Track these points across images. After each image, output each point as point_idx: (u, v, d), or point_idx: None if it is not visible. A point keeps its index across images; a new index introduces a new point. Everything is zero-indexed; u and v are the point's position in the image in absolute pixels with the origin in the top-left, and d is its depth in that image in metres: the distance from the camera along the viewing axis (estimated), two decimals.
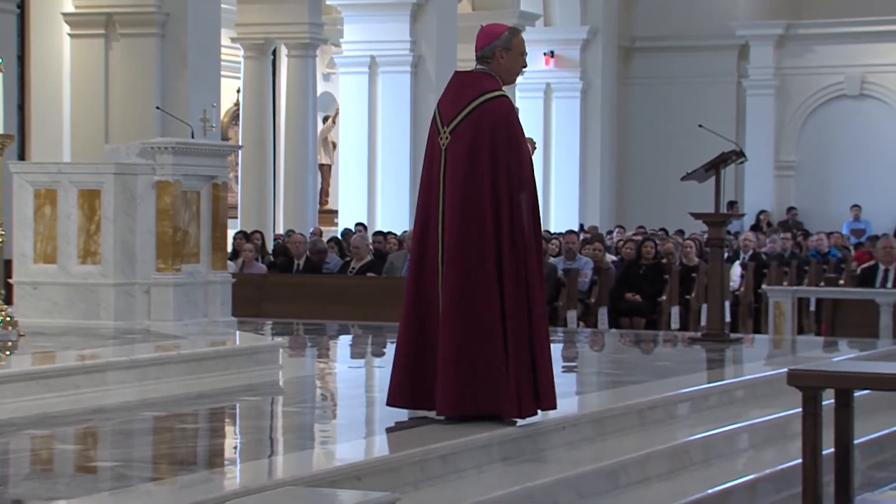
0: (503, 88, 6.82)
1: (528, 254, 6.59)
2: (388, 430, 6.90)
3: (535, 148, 7.02)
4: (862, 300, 12.70)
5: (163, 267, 9.76)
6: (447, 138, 6.69)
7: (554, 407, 6.72)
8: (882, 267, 13.60)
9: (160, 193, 9.76)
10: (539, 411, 6.70)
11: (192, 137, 11.14)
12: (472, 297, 6.55)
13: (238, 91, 22.27)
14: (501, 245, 6.55)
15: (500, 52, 6.77)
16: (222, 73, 18.26)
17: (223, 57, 18.61)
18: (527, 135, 6.84)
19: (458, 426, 6.63)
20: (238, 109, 22.48)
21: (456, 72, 7.05)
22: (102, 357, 7.84)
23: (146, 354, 8.07)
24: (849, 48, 26.30)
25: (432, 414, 6.75)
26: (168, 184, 9.76)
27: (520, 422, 6.67)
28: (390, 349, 11.83)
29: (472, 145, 6.62)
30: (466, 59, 23.61)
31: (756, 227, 24.75)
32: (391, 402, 6.84)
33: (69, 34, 17.14)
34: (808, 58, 26.79)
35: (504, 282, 6.54)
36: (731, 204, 24.15)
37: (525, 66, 6.96)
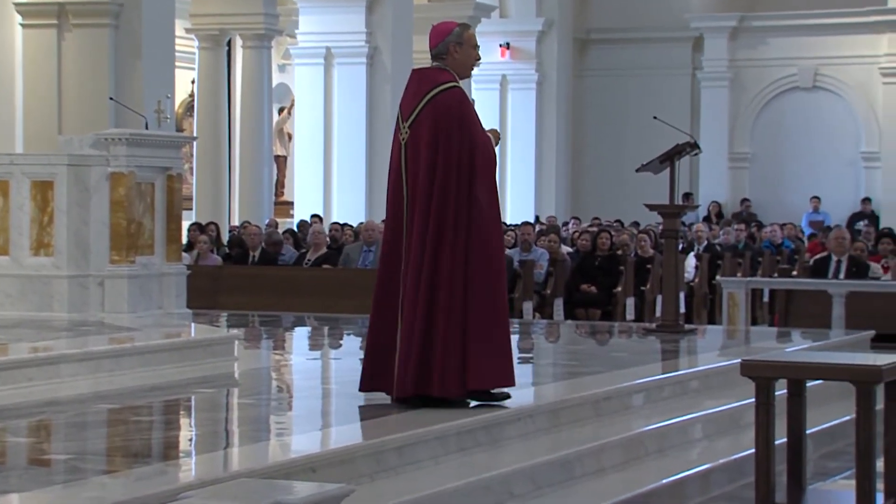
0: (459, 82, 7.03)
1: (485, 237, 6.81)
2: (344, 422, 6.90)
3: (500, 139, 7.10)
4: (815, 291, 12.80)
5: (117, 259, 9.71)
6: (406, 133, 6.98)
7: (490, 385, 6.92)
8: (834, 258, 13.71)
9: (114, 185, 9.71)
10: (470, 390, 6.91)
11: (147, 128, 11.09)
12: (434, 284, 6.78)
13: (193, 82, 22.15)
14: (457, 231, 6.77)
15: (454, 48, 7.03)
16: (177, 63, 18.16)
17: (177, 48, 18.51)
18: (488, 126, 7.06)
19: (416, 415, 6.66)
20: (193, 100, 22.37)
21: (413, 69, 7.28)
22: (56, 349, 7.80)
23: (100, 347, 8.02)
24: (802, 40, 26.46)
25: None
26: (122, 175, 9.70)
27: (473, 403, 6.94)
28: (347, 341, 11.86)
29: (427, 136, 6.88)
30: (423, 50, 23.52)
31: (707, 219, 24.89)
32: (364, 388, 7.14)
33: (21, 24, 16.99)
34: (761, 50, 26.94)
35: (469, 268, 6.79)
36: (687, 195, 24.27)
37: (479, 59, 7.22)
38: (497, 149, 7.03)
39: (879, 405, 5.72)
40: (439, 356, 6.80)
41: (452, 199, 6.81)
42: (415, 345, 6.82)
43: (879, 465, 5.70)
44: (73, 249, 9.66)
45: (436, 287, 6.81)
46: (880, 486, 5.71)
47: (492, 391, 6.98)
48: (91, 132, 10.25)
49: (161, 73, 16.80)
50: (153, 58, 16.73)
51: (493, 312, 6.84)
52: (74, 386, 7.36)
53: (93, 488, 5.01)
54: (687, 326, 12.00)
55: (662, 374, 8.87)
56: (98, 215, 9.70)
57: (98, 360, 7.66)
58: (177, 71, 18.17)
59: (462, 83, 7.09)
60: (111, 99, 15.27)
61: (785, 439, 5.87)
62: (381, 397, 7.78)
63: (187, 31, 21.11)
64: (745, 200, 26.71)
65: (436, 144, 6.86)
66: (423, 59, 28.75)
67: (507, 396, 7.01)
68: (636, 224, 20.59)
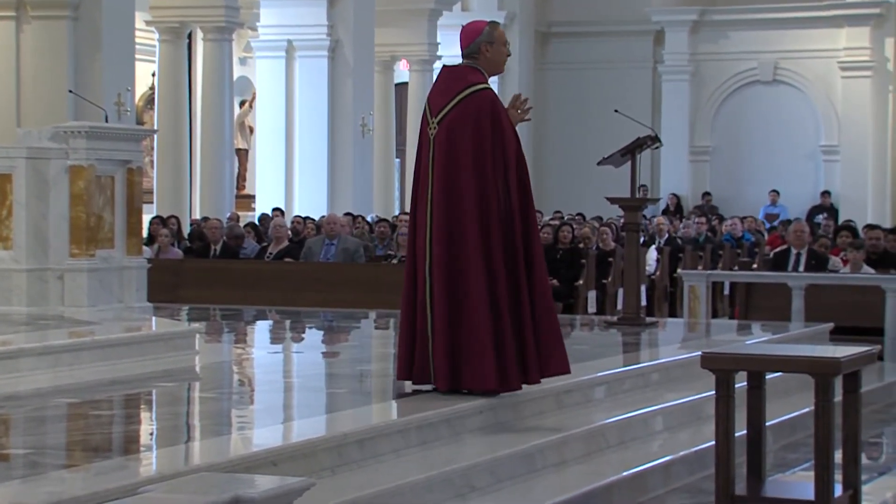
0: (489, 79, 7.23)
1: (517, 234, 7.01)
2: (306, 416, 6.89)
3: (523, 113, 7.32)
4: (774, 284, 12.87)
5: (77, 252, 9.65)
6: (435, 128, 7.15)
7: (537, 380, 7.08)
8: (794, 251, 13.79)
9: (73, 178, 9.65)
10: (525, 385, 7.07)
11: (107, 121, 11.03)
12: (457, 276, 6.97)
13: (153, 75, 22.05)
14: (490, 227, 6.97)
15: (485, 47, 7.22)
16: (137, 56, 18.06)
17: (138, 40, 18.41)
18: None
19: (377, 408, 6.63)
20: (153, 93, 22.26)
21: (444, 66, 7.49)
22: (15, 343, 7.74)
23: (60, 341, 7.98)
24: (762, 34, 26.61)
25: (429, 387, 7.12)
26: (82, 168, 9.64)
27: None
28: (309, 334, 11.84)
29: (459, 134, 7.07)
30: (384, 43, 23.68)
31: (666, 211, 24.99)
32: (401, 376, 7.22)
33: None
34: (722, 44, 27.07)
35: (493, 261, 6.96)
36: (641, 188, 24.35)
37: (509, 55, 7.39)
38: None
39: (838, 397, 5.77)
40: (474, 349, 6.92)
41: (493, 194, 6.97)
42: (447, 337, 6.95)
43: (838, 456, 5.74)
44: (33, 243, 9.59)
45: (464, 281, 6.96)
46: (838, 477, 5.76)
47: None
48: (50, 125, 10.18)
49: (121, 66, 16.71)
50: (113, 50, 16.64)
51: (523, 308, 6.98)
52: (34, 380, 7.31)
53: (52, 483, 4.98)
54: (648, 319, 12.04)
55: (624, 366, 8.90)
56: (57, 208, 9.63)
57: (58, 354, 7.61)
58: (137, 64, 18.07)
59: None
60: (70, 92, 15.18)
61: (745, 431, 5.90)
62: (346, 390, 7.79)
63: (147, 23, 20.99)
64: (706, 194, 26.84)
65: (467, 142, 7.04)
66: (384, 52, 28.80)
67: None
68: (599, 219, 20.64)
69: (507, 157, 7.09)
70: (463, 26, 7.36)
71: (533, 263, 7.05)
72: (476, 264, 6.96)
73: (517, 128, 7.31)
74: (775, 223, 23.21)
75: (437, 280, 7.01)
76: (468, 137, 7.06)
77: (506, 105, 7.27)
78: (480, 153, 7.04)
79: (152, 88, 22.65)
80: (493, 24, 7.32)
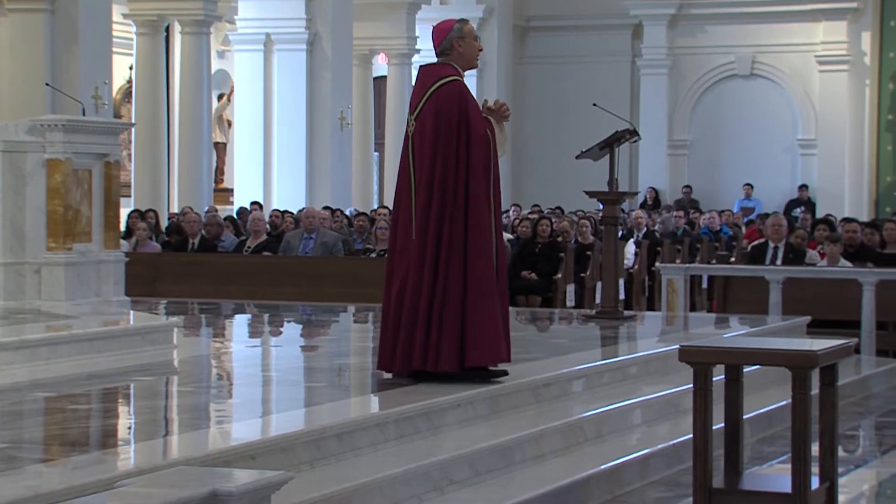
0: (464, 73, 7.48)
1: (481, 226, 7.25)
2: (284, 410, 6.88)
3: (506, 114, 7.51)
4: (752, 277, 12.91)
5: (54, 246, 9.61)
6: (413, 125, 7.41)
7: (487, 362, 7.27)
8: (771, 244, 13.82)
9: (50, 172, 9.60)
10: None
11: (84, 115, 10.99)
12: (434, 265, 7.18)
13: (131, 68, 21.98)
14: (454, 220, 7.21)
15: (457, 43, 7.47)
16: (114, 49, 18.01)
17: (115, 33, 18.35)
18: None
19: (355, 402, 6.63)
20: (131, 87, 22.20)
21: (420, 66, 7.78)
22: None
23: (37, 335, 7.95)
24: (739, 28, 26.67)
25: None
26: (59, 162, 9.60)
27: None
28: (287, 328, 11.83)
29: (430, 128, 7.29)
30: (362, 37, 23.64)
31: (644, 205, 25.03)
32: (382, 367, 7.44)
33: None
34: (700, 38, 27.12)
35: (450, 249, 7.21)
36: (612, 182, 24.35)
37: (481, 49, 7.64)
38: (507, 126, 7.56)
39: (815, 390, 5.79)
40: (439, 334, 7.17)
41: (451, 189, 7.22)
42: (418, 325, 7.19)
43: (815, 449, 5.76)
44: (9, 237, 9.55)
45: (437, 275, 7.18)
46: (815, 469, 5.78)
47: (490, 368, 7.33)
48: (27, 118, 10.13)
49: (98, 59, 16.66)
50: (90, 43, 16.58)
51: (487, 296, 7.18)
52: (10, 374, 7.28)
53: (29, 477, 4.97)
54: (626, 313, 12.06)
55: (602, 360, 8.91)
56: (34, 202, 9.59)
57: (34, 348, 7.59)
58: (114, 57, 18.02)
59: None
60: (47, 85, 15.12)
61: (722, 424, 5.92)
62: (324, 384, 7.79)
63: (125, 16, 20.93)
64: (685, 187, 26.89)
65: (436, 136, 7.26)
66: (363, 45, 28.74)
67: (505, 373, 7.38)
68: (581, 211, 20.64)
69: (470, 153, 7.26)
70: (433, 27, 7.61)
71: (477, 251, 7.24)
72: (450, 258, 7.20)
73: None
74: (751, 217, 23.27)
75: (413, 273, 7.25)
76: (433, 127, 7.29)
77: (486, 107, 7.47)
78: (445, 141, 7.25)
79: (130, 82, 22.59)
80: (462, 21, 7.59)
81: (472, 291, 7.19)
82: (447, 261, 7.21)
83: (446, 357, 7.19)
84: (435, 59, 7.49)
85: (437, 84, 7.35)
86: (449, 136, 7.27)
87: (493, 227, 7.33)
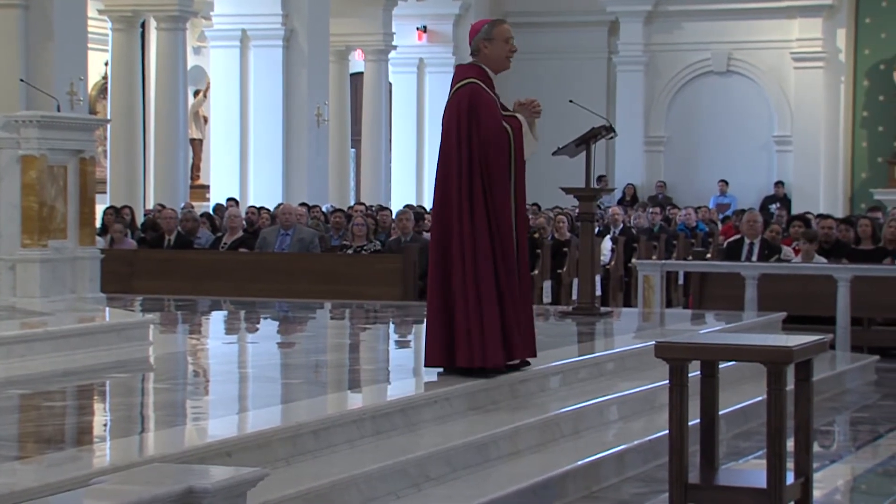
0: (494, 74, 7.56)
1: (486, 225, 7.28)
2: (261, 406, 6.87)
3: (537, 111, 7.65)
4: (728, 273, 12.95)
5: (28, 243, 9.57)
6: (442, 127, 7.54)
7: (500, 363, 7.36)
8: (747, 241, 13.87)
9: (25, 168, 9.56)
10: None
11: (59, 111, 10.94)
12: (442, 262, 7.30)
13: (106, 64, 21.89)
14: (461, 218, 7.25)
15: (483, 44, 7.52)
16: (89, 45, 17.93)
17: (90, 29, 18.28)
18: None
19: (332, 398, 6.62)
20: (106, 83, 22.11)
21: (455, 66, 8.03)
22: None
23: (12, 332, 7.92)
24: (716, 25, 26.73)
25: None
26: (33, 158, 9.56)
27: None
28: (264, 325, 11.81)
29: (443, 130, 7.42)
30: (339, 33, 23.60)
31: (622, 201, 25.07)
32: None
33: None
34: (676, 34, 27.17)
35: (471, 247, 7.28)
36: (600, 178, 24.42)
37: (514, 50, 7.65)
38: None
39: (790, 386, 5.81)
40: (428, 333, 7.33)
41: (454, 190, 7.27)
42: (437, 321, 7.30)
43: (790, 444, 5.78)
44: None
45: (449, 272, 7.27)
46: (791, 465, 5.80)
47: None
48: (1, 114, 10.09)
49: (73, 55, 16.59)
50: (65, 39, 16.50)
51: (485, 301, 7.24)
52: None
53: (4, 474, 4.95)
54: (603, 309, 12.08)
55: (579, 356, 8.93)
56: (9, 198, 9.54)
57: (9, 345, 7.56)
58: (90, 53, 17.95)
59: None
60: (22, 81, 15.05)
61: (698, 420, 5.93)
62: (301, 380, 7.79)
63: (100, 12, 20.84)
64: (659, 183, 26.95)
65: (444, 139, 7.37)
66: (339, 42, 28.62)
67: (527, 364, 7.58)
68: (558, 208, 20.65)
69: (472, 156, 7.27)
70: (472, 25, 7.72)
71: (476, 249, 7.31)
72: (463, 255, 7.28)
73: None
74: (728, 213, 23.34)
75: (431, 271, 7.45)
76: (444, 131, 7.38)
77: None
78: (446, 146, 7.36)
79: (105, 78, 22.50)
80: (495, 21, 7.67)
81: (470, 294, 7.23)
82: (454, 261, 7.26)
83: (429, 354, 7.36)
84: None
85: (456, 87, 7.43)
86: (450, 140, 7.34)
87: (514, 227, 7.36)
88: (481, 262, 7.23)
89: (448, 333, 7.29)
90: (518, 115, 7.52)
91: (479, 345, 7.25)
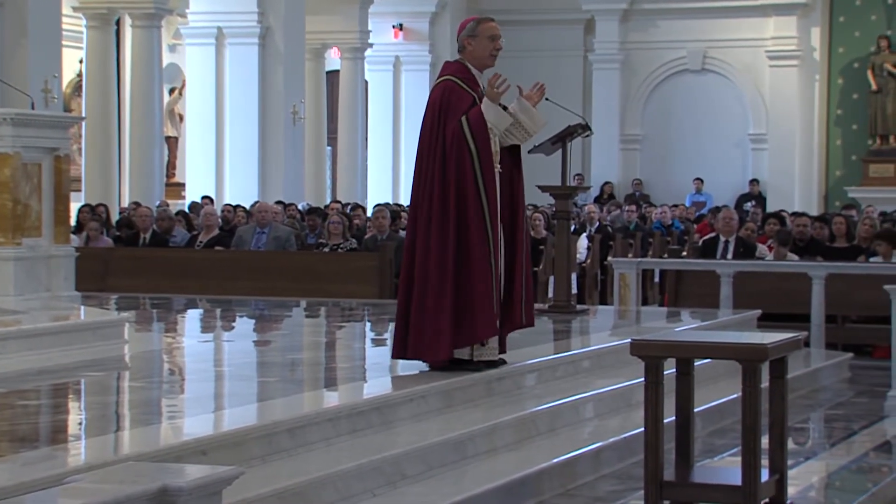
0: (479, 72, 7.59)
1: (454, 218, 7.30)
2: (236, 405, 6.86)
3: (539, 92, 7.84)
4: (703, 271, 12.98)
5: (2, 241, 9.53)
6: None
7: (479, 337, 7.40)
8: (722, 238, 13.91)
9: None
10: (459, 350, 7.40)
11: (33, 108, 10.89)
12: (409, 260, 7.37)
13: (81, 61, 21.81)
14: (431, 213, 7.33)
15: (468, 41, 7.57)
16: (64, 43, 17.87)
17: (65, 26, 18.20)
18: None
19: (308, 396, 6.61)
20: (81, 80, 22.03)
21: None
22: None
23: None
24: (691, 23, 26.79)
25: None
26: (7, 156, 9.52)
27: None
28: (239, 323, 11.79)
29: (420, 127, 7.49)
30: (315, 31, 23.57)
31: (599, 199, 25.11)
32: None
33: None
34: (651, 32, 27.22)
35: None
36: (576, 176, 24.44)
37: (499, 48, 7.63)
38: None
39: (765, 383, 5.83)
40: (422, 324, 7.28)
41: (426, 186, 7.36)
42: (398, 314, 7.38)
43: (765, 441, 5.80)
44: None
45: (414, 265, 7.31)
46: (765, 462, 5.82)
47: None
48: None
49: (48, 53, 16.52)
50: (39, 36, 16.43)
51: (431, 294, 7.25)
52: None
53: None
54: (579, 307, 12.10)
55: (555, 354, 8.94)
56: None
57: None
58: (64, 50, 17.89)
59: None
60: None
61: (674, 417, 5.95)
62: (277, 379, 7.78)
63: (75, 9, 20.76)
64: (635, 180, 27.00)
65: (420, 136, 7.43)
66: (315, 40, 28.55)
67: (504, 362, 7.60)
68: (534, 206, 20.65)
69: (445, 152, 7.30)
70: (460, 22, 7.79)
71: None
72: (428, 248, 7.32)
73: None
74: (703, 211, 23.40)
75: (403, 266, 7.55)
76: (420, 129, 7.46)
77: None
78: (421, 143, 7.42)
79: (80, 75, 22.41)
80: (482, 19, 7.67)
81: (417, 287, 7.29)
82: (418, 254, 7.31)
83: (393, 346, 7.46)
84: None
85: (434, 85, 7.54)
86: (423, 138, 7.41)
87: (487, 218, 7.30)
88: (435, 255, 7.26)
89: (404, 325, 7.38)
90: (484, 101, 7.43)
91: (425, 337, 7.30)
